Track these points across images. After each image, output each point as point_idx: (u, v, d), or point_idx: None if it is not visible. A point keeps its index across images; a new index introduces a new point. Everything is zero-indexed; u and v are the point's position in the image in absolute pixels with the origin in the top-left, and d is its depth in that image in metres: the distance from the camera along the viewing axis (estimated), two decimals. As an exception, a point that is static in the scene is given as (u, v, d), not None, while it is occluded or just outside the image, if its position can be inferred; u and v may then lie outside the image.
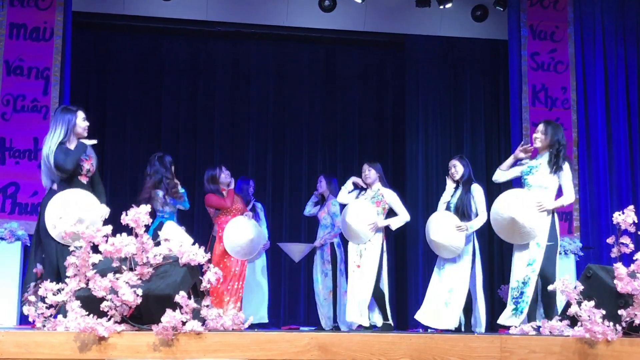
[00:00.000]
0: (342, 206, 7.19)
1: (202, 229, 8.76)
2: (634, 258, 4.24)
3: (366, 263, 6.66)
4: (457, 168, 6.61)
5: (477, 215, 6.49)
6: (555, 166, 5.76)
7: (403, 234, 9.41)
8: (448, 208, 6.58)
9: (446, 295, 6.42)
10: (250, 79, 9.90)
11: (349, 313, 6.65)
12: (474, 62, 9.85)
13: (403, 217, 6.89)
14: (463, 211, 6.47)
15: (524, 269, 5.64)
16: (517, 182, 6.28)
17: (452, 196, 6.61)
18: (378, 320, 6.69)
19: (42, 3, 7.92)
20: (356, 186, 7.01)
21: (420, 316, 6.57)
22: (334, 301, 7.69)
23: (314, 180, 9.70)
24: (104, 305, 3.61)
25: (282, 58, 10.00)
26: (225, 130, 9.70)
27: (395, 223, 6.85)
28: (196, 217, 9.21)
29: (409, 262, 9.34)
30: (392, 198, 6.88)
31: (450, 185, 6.68)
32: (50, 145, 5.12)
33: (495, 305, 8.98)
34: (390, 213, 6.90)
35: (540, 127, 5.91)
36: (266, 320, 7.85)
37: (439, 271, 6.54)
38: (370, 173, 6.91)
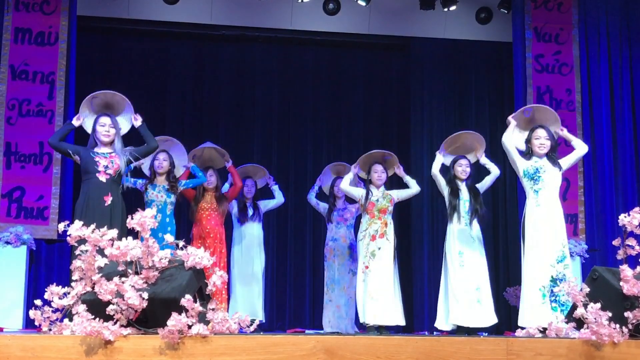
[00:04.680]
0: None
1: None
2: (640, 260, 4.24)
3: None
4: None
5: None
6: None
7: (408, 235, 9.42)
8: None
9: (476, 293, 6.55)
10: (255, 82, 9.91)
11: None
12: (479, 64, 9.85)
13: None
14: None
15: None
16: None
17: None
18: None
19: (47, 8, 7.94)
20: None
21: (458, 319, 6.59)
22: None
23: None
24: (110, 309, 3.61)
25: (286, 61, 10.01)
26: (230, 133, 9.71)
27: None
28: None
29: (414, 263, 9.34)
30: (398, 193, 7.08)
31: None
32: None
33: (501, 307, 8.97)
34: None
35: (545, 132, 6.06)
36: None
37: (461, 270, 6.59)
38: (384, 175, 6.99)
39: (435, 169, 6.83)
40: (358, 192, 7.01)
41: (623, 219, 4.37)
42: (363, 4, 8.97)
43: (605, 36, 8.69)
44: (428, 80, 9.72)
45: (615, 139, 8.52)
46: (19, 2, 7.90)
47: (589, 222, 8.25)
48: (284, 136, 9.89)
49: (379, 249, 6.76)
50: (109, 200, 5.41)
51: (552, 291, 5.69)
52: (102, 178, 5.62)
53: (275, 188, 8.11)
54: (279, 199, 8.08)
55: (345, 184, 7.05)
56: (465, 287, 6.55)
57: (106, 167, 5.65)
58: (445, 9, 9.01)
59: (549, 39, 8.59)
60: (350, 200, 7.61)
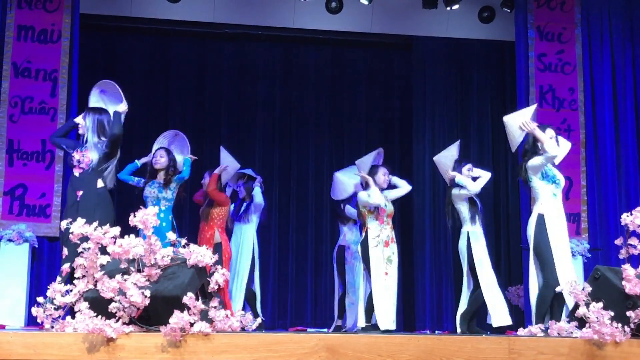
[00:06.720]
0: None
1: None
2: (642, 259, 4.24)
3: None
4: None
5: None
6: None
7: (410, 235, 9.41)
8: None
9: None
10: (257, 80, 9.91)
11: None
12: (481, 63, 9.84)
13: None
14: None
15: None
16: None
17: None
18: None
19: (49, 5, 7.93)
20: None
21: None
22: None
23: (320, 181, 9.72)
24: (112, 307, 3.62)
25: (289, 59, 10.01)
26: (232, 132, 9.71)
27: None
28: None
29: (416, 263, 9.34)
30: (391, 193, 7.00)
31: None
32: None
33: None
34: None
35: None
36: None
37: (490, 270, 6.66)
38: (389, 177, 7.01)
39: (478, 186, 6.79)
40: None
41: (625, 218, 4.37)
42: (365, 2, 8.95)
43: (608, 35, 8.67)
44: (430, 79, 9.71)
45: (618, 138, 8.50)
46: (22, 0, 7.90)
47: (591, 221, 8.23)
48: (286, 134, 9.88)
49: (393, 253, 6.78)
50: (79, 194, 5.39)
51: None
52: (76, 172, 5.57)
53: (257, 190, 7.80)
54: (257, 200, 7.78)
55: (377, 197, 6.77)
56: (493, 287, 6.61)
57: (79, 161, 5.60)
58: (448, 8, 8.99)
59: (552, 38, 8.57)
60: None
